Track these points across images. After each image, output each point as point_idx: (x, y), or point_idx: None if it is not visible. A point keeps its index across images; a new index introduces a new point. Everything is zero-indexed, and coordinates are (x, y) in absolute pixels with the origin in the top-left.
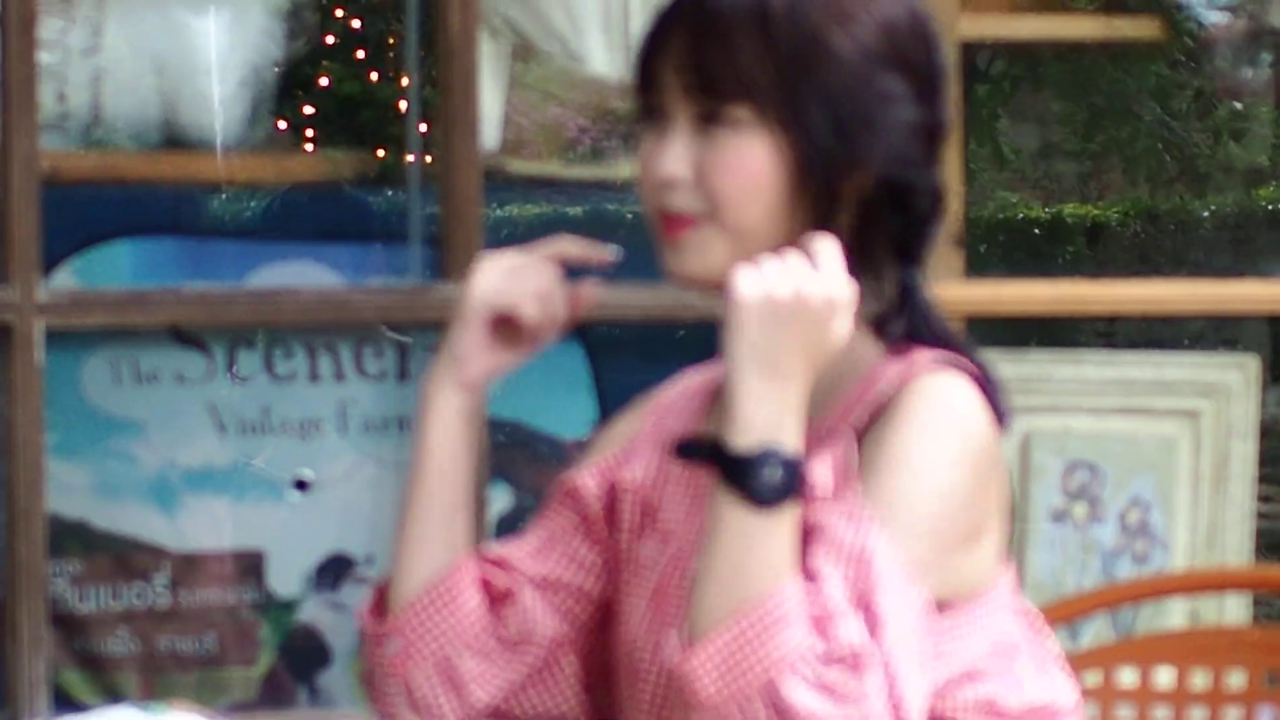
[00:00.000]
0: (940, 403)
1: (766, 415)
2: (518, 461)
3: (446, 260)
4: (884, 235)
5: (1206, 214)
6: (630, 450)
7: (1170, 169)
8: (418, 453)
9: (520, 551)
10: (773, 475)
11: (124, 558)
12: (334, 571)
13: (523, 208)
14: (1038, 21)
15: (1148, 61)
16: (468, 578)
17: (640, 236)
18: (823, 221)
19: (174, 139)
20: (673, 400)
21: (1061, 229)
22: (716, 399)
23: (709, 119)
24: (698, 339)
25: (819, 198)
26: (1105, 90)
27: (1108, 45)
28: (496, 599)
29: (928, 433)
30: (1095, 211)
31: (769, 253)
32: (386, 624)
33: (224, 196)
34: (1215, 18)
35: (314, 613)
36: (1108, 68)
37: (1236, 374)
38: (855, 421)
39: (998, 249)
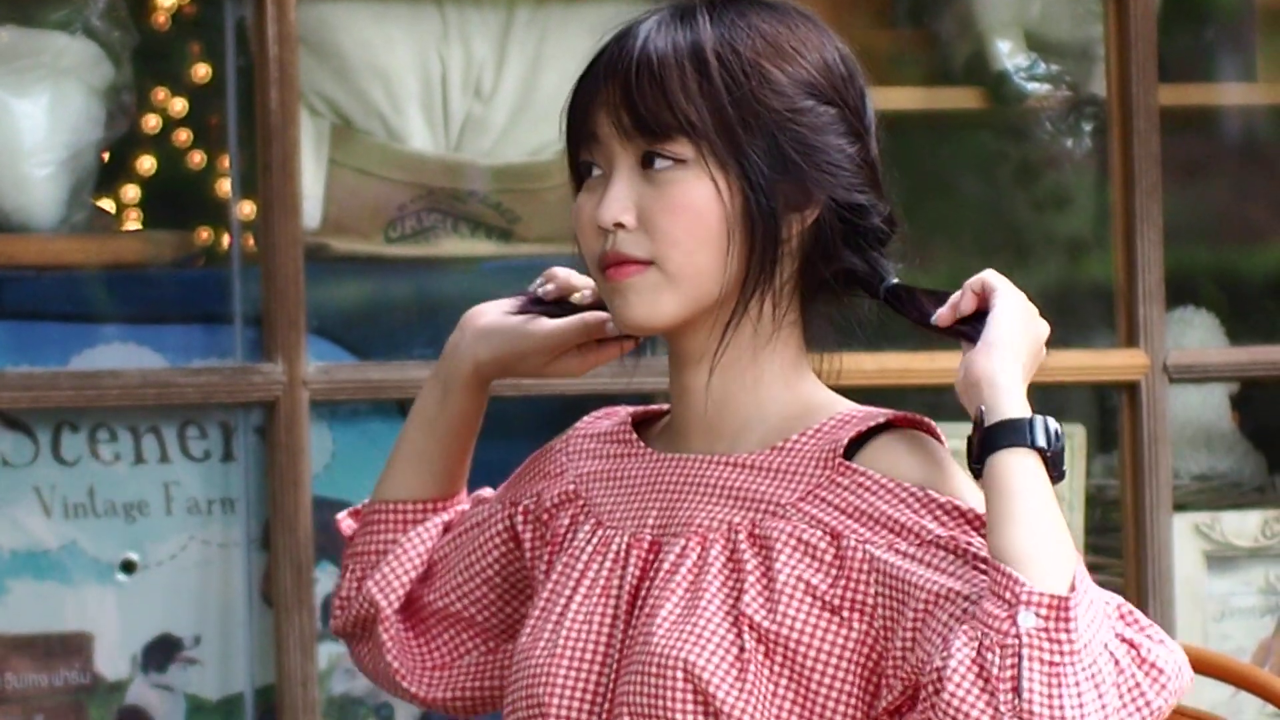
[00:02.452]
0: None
1: (1024, 398)
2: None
3: (269, 340)
4: (839, 265)
5: (1031, 284)
6: (548, 480)
7: (994, 240)
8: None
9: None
10: (1058, 432)
11: None
12: (161, 652)
13: (346, 286)
14: None
15: (970, 132)
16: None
17: (461, 314)
18: (769, 259)
19: None
20: (583, 443)
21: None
22: (629, 439)
23: (650, 161)
24: (528, 415)
25: (764, 234)
26: (928, 162)
27: (930, 117)
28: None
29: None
30: (919, 282)
31: (709, 291)
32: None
33: (46, 279)
34: (1037, 88)
35: (141, 694)
36: (931, 139)
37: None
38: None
39: (839, 317)
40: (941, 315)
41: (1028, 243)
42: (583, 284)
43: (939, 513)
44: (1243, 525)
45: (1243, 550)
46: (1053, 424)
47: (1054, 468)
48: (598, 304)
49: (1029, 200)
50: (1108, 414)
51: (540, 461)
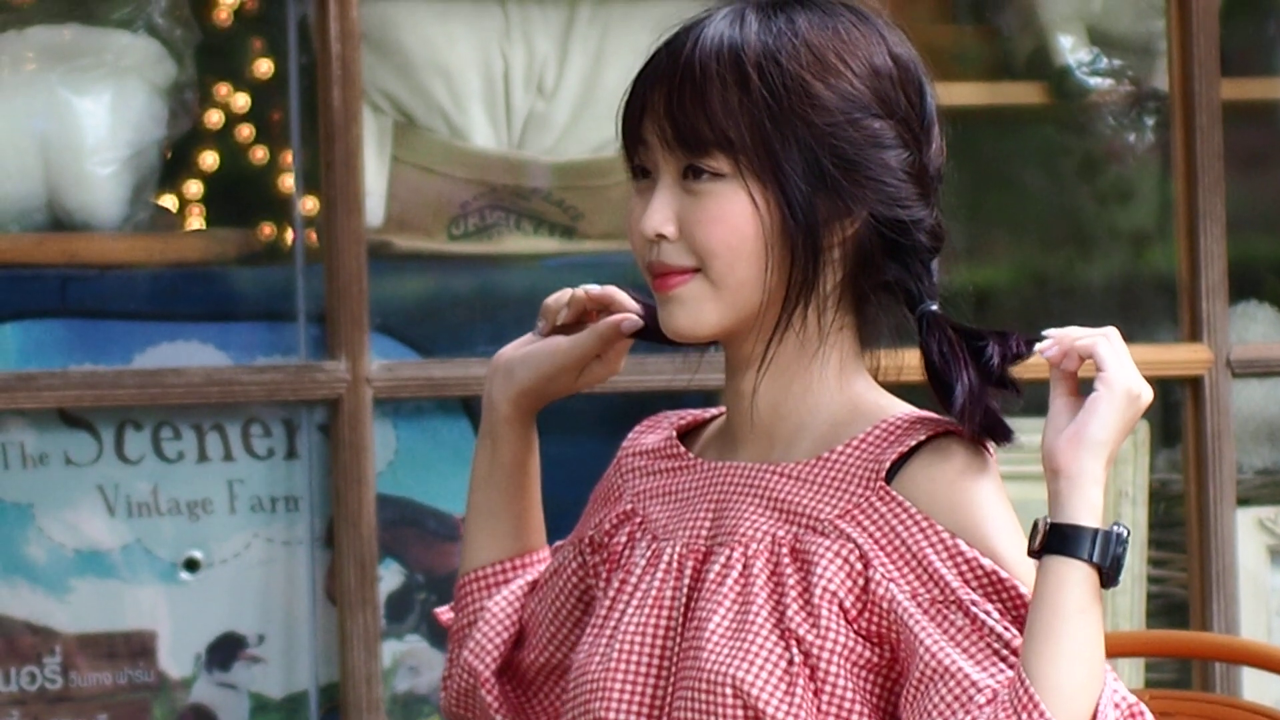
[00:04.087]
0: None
1: (1099, 498)
2: (407, 539)
3: (333, 337)
4: (881, 277)
5: (1094, 278)
6: (607, 506)
7: (1057, 233)
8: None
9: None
10: (1120, 551)
11: (15, 640)
12: (224, 651)
13: (409, 283)
14: None
15: (1033, 127)
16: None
17: (524, 311)
18: (810, 271)
19: (59, 221)
20: (634, 461)
21: (949, 294)
22: (677, 451)
23: (690, 173)
24: (583, 410)
25: (804, 247)
26: (992, 156)
27: (993, 112)
28: None
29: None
30: (982, 276)
31: (751, 301)
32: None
33: (110, 278)
34: (1099, 83)
35: (205, 692)
36: (994, 134)
37: (1127, 438)
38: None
39: (898, 317)
40: (1050, 355)
41: (1091, 237)
42: (570, 298)
43: (965, 569)
44: None
45: None
46: (1119, 534)
47: (1108, 579)
48: (603, 307)
49: (1092, 194)
50: (1171, 409)
51: (599, 492)
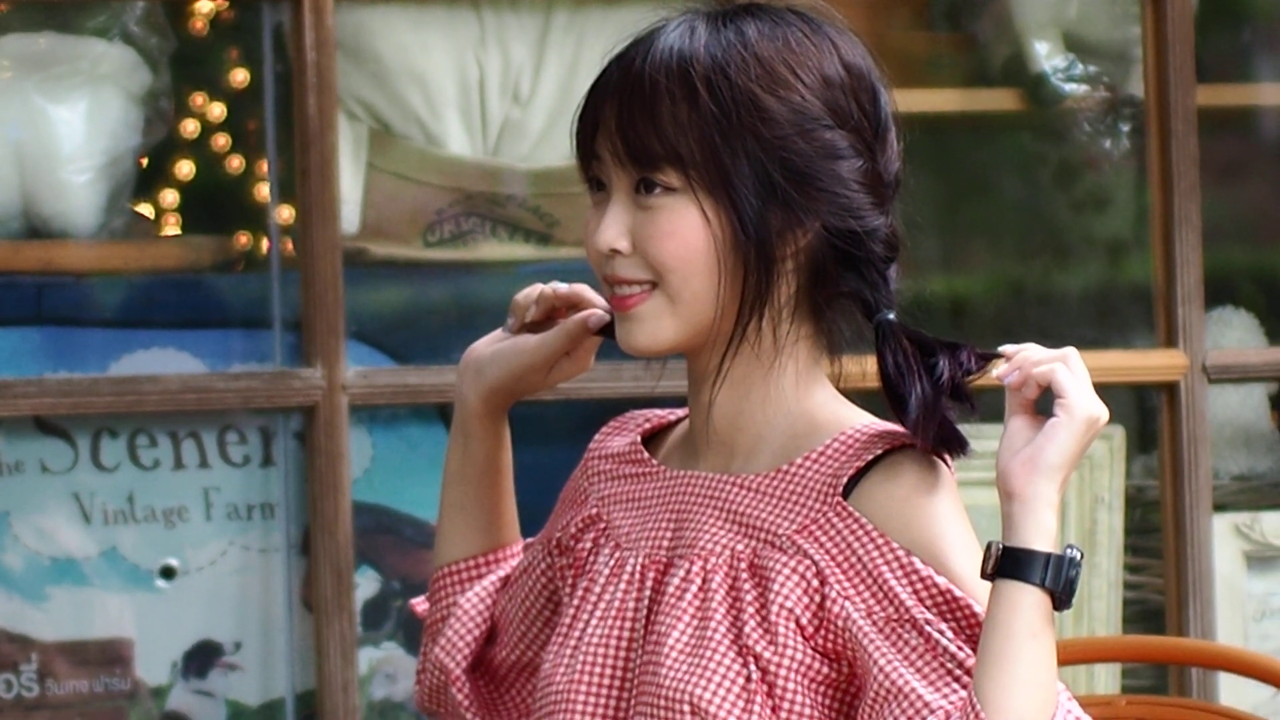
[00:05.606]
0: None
1: (1053, 522)
2: (383, 546)
3: (308, 345)
4: (836, 288)
5: (1070, 285)
6: (575, 508)
7: (1033, 241)
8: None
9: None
10: (1073, 574)
11: None
12: (201, 658)
13: (384, 291)
14: (899, 96)
15: (1009, 134)
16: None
17: (499, 319)
18: (763, 284)
19: (34, 229)
20: (600, 465)
21: (924, 303)
22: (640, 456)
23: (643, 187)
24: (557, 417)
25: (756, 260)
26: (967, 163)
27: (969, 118)
28: None
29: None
30: (958, 284)
31: (707, 315)
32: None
33: (85, 285)
34: (1075, 89)
35: (182, 700)
36: (969, 141)
37: (1102, 445)
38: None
39: (857, 323)
40: (1010, 380)
41: (1066, 244)
42: (539, 295)
43: (919, 588)
44: None
45: None
46: (1072, 557)
47: (1061, 603)
48: (572, 304)
49: (1068, 201)
50: (1147, 414)
51: (566, 492)
